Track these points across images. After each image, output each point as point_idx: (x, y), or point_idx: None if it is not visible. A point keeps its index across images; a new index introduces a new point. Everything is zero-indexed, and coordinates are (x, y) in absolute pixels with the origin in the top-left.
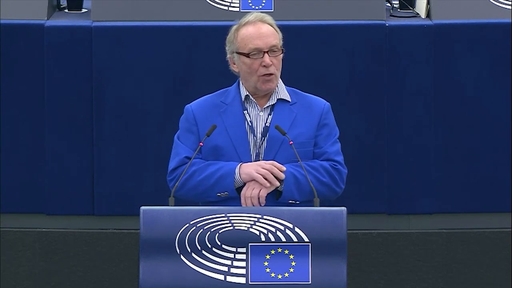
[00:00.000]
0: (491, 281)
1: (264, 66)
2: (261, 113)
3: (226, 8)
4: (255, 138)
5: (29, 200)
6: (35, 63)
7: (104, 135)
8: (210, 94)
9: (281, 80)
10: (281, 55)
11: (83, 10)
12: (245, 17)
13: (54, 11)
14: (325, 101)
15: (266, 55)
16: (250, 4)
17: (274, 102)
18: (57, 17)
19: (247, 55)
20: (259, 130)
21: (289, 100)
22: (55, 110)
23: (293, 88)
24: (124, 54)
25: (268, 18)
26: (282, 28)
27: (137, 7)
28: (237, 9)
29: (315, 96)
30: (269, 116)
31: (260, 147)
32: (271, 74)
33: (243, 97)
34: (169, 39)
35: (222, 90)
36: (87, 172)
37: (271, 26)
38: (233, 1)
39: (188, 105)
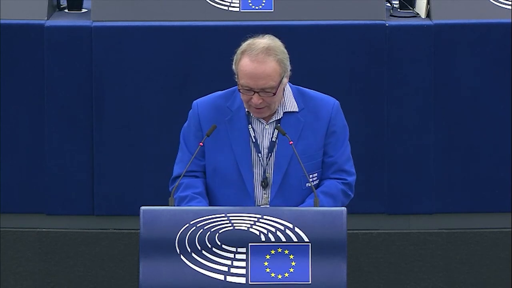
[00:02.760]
0: (491, 281)
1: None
2: (267, 127)
3: (226, 8)
4: (259, 155)
5: (29, 200)
6: (35, 63)
7: (104, 135)
8: (219, 93)
9: (288, 86)
10: (275, 95)
11: (83, 10)
12: (255, 40)
13: (54, 11)
14: (333, 101)
15: (256, 95)
16: (250, 4)
17: (280, 117)
18: (57, 17)
19: (239, 88)
20: (265, 145)
21: (297, 110)
22: (55, 110)
23: (299, 88)
24: (124, 54)
25: (276, 50)
26: (282, 28)
27: (137, 7)
28: (237, 9)
29: (323, 96)
30: (275, 130)
31: (267, 164)
32: (261, 108)
33: (246, 110)
34: (169, 39)
35: (231, 90)
36: (87, 172)
37: (275, 61)
38: (233, 1)
39: (195, 102)
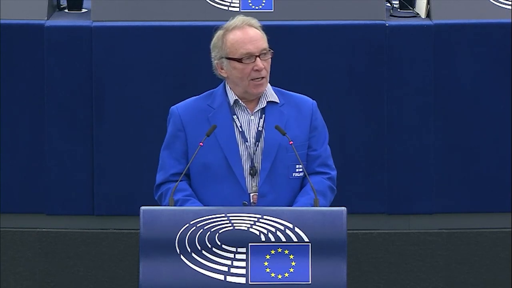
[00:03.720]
0: (491, 281)
1: (257, 70)
2: (252, 117)
3: (226, 8)
4: (247, 144)
5: (29, 200)
6: (35, 63)
7: (104, 135)
8: (195, 97)
9: (267, 83)
10: (270, 58)
11: (83, 10)
12: (231, 21)
13: (54, 11)
14: (311, 100)
15: (258, 59)
16: (250, 4)
17: (264, 106)
18: (57, 17)
19: (239, 60)
20: (252, 135)
21: (278, 101)
22: (55, 110)
23: (278, 88)
24: (124, 54)
25: (254, 21)
26: (282, 28)
27: (137, 7)
28: (237, 9)
29: (300, 95)
30: (260, 119)
31: (254, 153)
32: (262, 78)
33: (231, 102)
34: (169, 39)
35: (207, 92)
36: (87, 172)
37: (258, 29)
38: (233, 1)
39: (173, 106)
